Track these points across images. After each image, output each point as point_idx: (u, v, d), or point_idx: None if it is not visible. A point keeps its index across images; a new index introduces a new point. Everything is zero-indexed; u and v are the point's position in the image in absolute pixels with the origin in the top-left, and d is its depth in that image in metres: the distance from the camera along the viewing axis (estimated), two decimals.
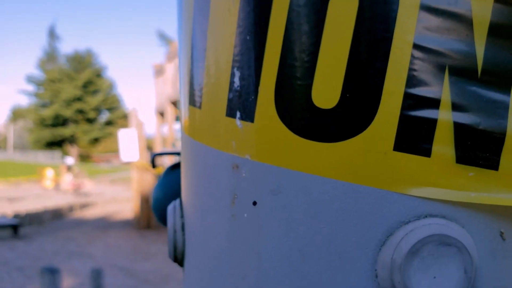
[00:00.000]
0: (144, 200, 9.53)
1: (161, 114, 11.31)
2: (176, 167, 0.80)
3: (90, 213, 12.34)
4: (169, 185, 0.62)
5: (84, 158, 54.79)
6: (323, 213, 0.35)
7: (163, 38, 28.82)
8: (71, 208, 12.38)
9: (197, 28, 0.41)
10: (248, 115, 0.37)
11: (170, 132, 10.43)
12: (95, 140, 55.33)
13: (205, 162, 0.40)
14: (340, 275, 0.34)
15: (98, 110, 55.49)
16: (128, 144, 9.31)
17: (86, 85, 53.58)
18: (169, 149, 10.19)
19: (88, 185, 18.48)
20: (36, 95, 49.65)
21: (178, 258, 0.41)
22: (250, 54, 0.37)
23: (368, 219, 0.35)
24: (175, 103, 9.98)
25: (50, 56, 50.53)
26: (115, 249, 7.95)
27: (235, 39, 0.37)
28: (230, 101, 0.38)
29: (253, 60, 0.37)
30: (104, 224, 10.43)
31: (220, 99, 0.39)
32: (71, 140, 52.13)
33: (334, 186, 0.35)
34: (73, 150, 49.60)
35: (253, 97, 0.37)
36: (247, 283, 0.36)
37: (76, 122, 53.66)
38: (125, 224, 10.41)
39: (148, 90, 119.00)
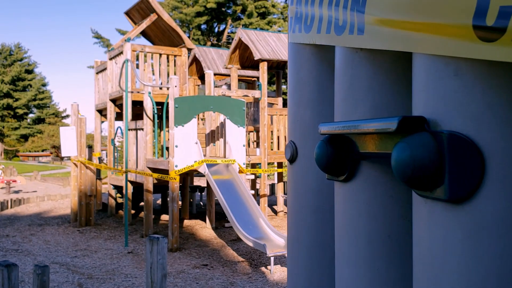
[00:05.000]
0: (83, 196, 9.04)
1: (100, 111, 10.80)
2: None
3: (24, 210, 11.51)
4: (413, 147, 0.68)
5: (10, 154, 51.27)
6: None
7: (98, 37, 27.65)
8: (2, 205, 11.48)
9: None
10: None
11: (109, 129, 9.98)
12: (24, 137, 51.98)
13: None
14: None
15: (27, 106, 52.19)
16: (69, 140, 8.81)
17: (15, 80, 50.19)
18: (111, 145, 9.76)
19: (20, 181, 17.26)
20: None
21: None
22: None
23: None
24: (114, 100, 9.57)
25: None
26: (54, 246, 7.46)
27: None
28: None
29: None
30: (40, 221, 9.77)
31: None
32: None
33: None
34: None
35: None
36: None
37: (2, 118, 50.10)
38: (62, 221, 9.81)
39: (82, 88, 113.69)
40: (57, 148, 50.31)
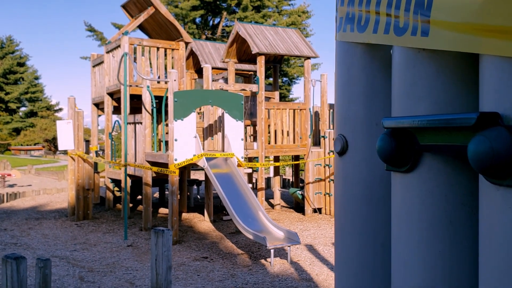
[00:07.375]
0: (81, 190, 9.04)
1: (97, 104, 10.77)
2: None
3: (20, 204, 11.49)
4: (492, 139, 0.75)
5: (2, 148, 50.92)
6: None
7: (92, 30, 27.44)
8: None
9: None
10: None
11: (107, 123, 9.97)
12: (16, 131, 51.59)
13: None
14: None
15: (19, 100, 51.75)
16: (66, 134, 8.79)
17: (7, 73, 49.72)
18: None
19: (15, 175, 17.18)
20: None
21: None
22: None
23: None
24: (111, 94, 9.55)
25: None
26: (53, 240, 7.47)
27: None
28: None
29: None
30: (37, 215, 9.76)
31: None
32: None
33: None
34: None
35: None
36: None
37: None
38: (59, 215, 9.81)
39: (75, 81, 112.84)
40: (49, 141, 49.99)
